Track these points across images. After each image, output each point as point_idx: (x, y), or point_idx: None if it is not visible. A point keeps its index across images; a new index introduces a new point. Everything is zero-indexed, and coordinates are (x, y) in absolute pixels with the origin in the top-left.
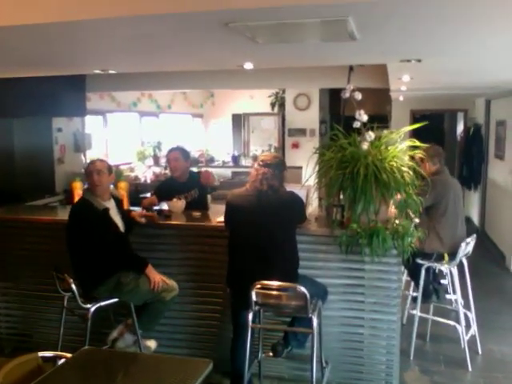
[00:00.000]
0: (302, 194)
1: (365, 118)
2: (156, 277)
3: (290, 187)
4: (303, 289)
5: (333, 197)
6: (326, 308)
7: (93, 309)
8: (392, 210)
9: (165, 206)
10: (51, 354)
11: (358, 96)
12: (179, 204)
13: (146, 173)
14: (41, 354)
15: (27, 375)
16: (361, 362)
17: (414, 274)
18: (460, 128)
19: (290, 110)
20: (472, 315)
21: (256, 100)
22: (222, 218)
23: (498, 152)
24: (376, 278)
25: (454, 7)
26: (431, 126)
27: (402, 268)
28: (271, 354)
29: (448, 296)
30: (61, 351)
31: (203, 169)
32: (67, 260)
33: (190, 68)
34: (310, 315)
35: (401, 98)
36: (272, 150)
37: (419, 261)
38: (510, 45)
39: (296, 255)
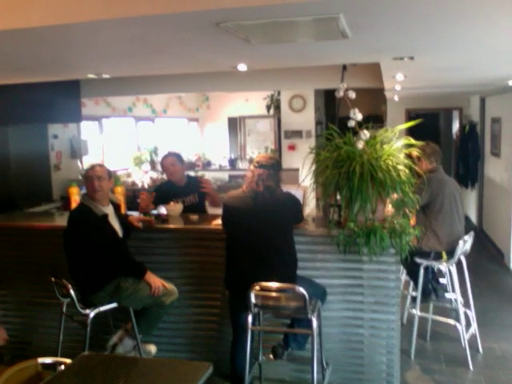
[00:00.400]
0: (298, 194)
1: (359, 116)
2: (156, 281)
3: (286, 188)
4: (302, 289)
5: (329, 196)
6: (326, 309)
7: (92, 314)
8: (389, 208)
9: (162, 210)
10: (51, 361)
11: (352, 95)
12: (177, 208)
13: (142, 178)
14: (40, 360)
15: (27, 382)
16: (361, 362)
17: (412, 273)
18: (455, 126)
19: (285, 111)
20: (472, 313)
21: (251, 103)
22: (219, 221)
23: (493, 149)
24: (374, 277)
25: (447, 3)
26: (427, 124)
27: (401, 267)
28: (271, 356)
29: (447, 295)
30: (60, 358)
31: (200, 174)
32: (65, 266)
33: (184, 70)
34: (310, 316)
35: (396, 98)
36: (269, 151)
37: (417, 259)
38: (504, 41)
39: (294, 256)
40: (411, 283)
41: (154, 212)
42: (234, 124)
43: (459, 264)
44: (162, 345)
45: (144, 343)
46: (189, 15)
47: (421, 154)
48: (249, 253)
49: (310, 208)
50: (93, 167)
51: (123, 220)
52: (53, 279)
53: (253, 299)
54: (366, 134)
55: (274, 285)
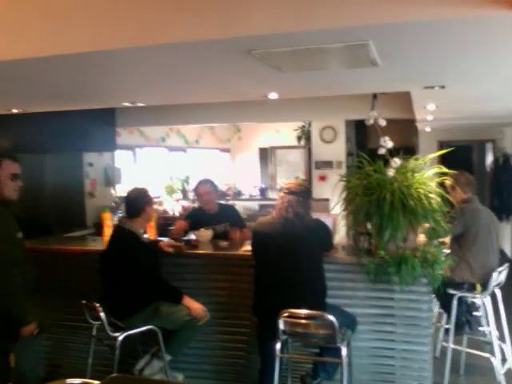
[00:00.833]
0: (328, 222)
1: (390, 144)
2: (195, 305)
3: (316, 216)
4: (331, 317)
5: (359, 224)
6: (356, 339)
7: (121, 337)
8: (420, 237)
9: (192, 236)
10: (79, 382)
11: (383, 122)
12: (206, 234)
13: (174, 206)
14: (69, 381)
15: None
16: None
17: (445, 304)
18: (489, 159)
19: (316, 142)
20: (507, 347)
21: (282, 134)
22: (248, 247)
23: None
24: (406, 307)
25: (479, 31)
26: (459, 156)
27: (434, 299)
28: None
29: (481, 328)
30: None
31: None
32: (96, 289)
33: (215, 99)
34: (339, 344)
35: (427, 129)
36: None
37: (450, 291)
38: None
39: (323, 284)
40: (444, 315)
41: (184, 238)
42: (265, 154)
43: (493, 296)
44: (189, 371)
45: (171, 370)
46: (221, 42)
47: (454, 184)
48: (277, 279)
49: (340, 236)
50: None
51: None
52: (84, 302)
53: (281, 326)
54: (396, 161)
55: (303, 312)
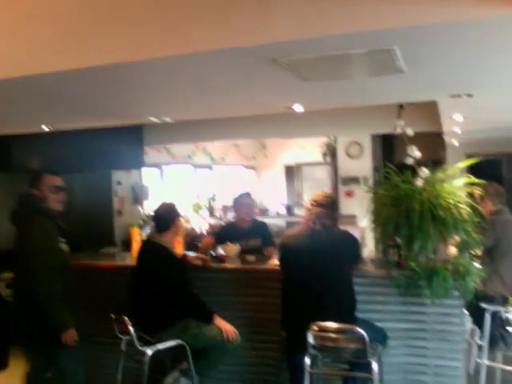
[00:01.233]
0: (356, 235)
1: (417, 154)
2: (226, 326)
3: (344, 228)
4: (361, 331)
5: (388, 236)
6: (387, 354)
7: (150, 352)
8: (451, 249)
9: (219, 250)
10: None
11: (410, 132)
12: (233, 248)
13: (201, 224)
14: None
15: None
16: None
17: (478, 319)
18: None
19: (342, 158)
20: None
21: (307, 150)
22: (276, 261)
23: None
24: (438, 321)
25: (508, 33)
26: (488, 170)
27: (466, 314)
28: None
29: None
30: None
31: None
32: (125, 305)
33: (242, 113)
34: (370, 359)
35: (455, 143)
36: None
37: (483, 305)
38: None
39: (353, 297)
40: (477, 331)
41: (212, 252)
42: (291, 171)
43: None
44: None
45: None
46: (247, 51)
47: (484, 194)
48: (305, 292)
49: (369, 249)
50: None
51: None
52: (113, 316)
53: (310, 340)
54: (425, 171)
55: (332, 325)
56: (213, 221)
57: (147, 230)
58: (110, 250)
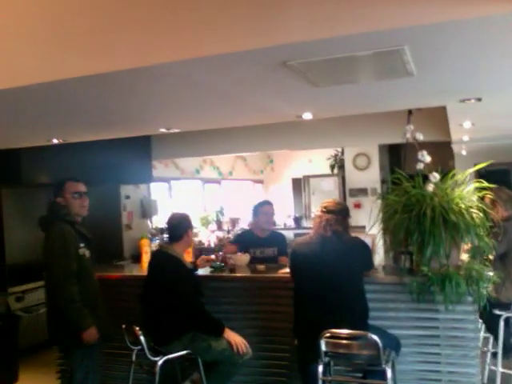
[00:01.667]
0: (367, 242)
1: (428, 158)
2: (236, 339)
3: (354, 234)
4: (375, 337)
5: (399, 242)
6: (400, 361)
7: (160, 362)
8: (464, 255)
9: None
10: None
11: (420, 136)
12: (243, 258)
13: (209, 237)
14: None
15: None
16: None
17: (491, 326)
18: None
19: (349, 169)
20: None
21: (314, 164)
22: (286, 270)
23: None
24: (451, 327)
25: None
26: (497, 179)
27: (480, 322)
28: None
29: None
30: None
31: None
32: (135, 315)
33: (250, 122)
34: (384, 366)
35: (463, 152)
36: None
37: (496, 312)
38: None
39: (365, 304)
40: (491, 339)
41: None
42: (298, 184)
43: None
44: None
45: None
46: (256, 53)
47: (496, 200)
48: (317, 299)
49: (380, 257)
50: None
51: None
52: (123, 326)
53: (323, 347)
54: (435, 176)
55: (345, 331)
56: (221, 234)
57: (156, 242)
58: (119, 263)
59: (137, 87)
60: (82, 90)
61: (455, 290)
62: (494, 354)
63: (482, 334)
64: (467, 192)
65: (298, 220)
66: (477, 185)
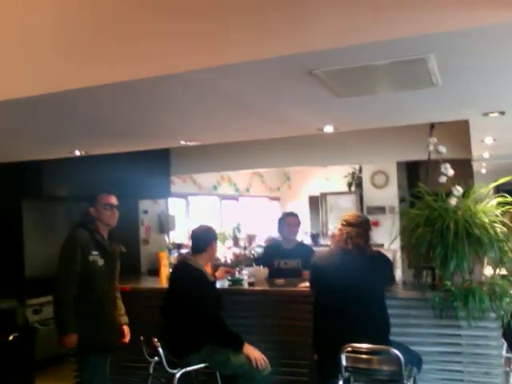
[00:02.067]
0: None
1: (451, 171)
2: (255, 353)
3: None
4: (397, 351)
5: (421, 257)
6: (421, 379)
7: (178, 374)
8: (487, 270)
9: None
10: None
11: (443, 149)
12: (261, 272)
13: (226, 253)
14: None
15: None
16: None
17: None
18: None
19: (367, 187)
20: None
21: (331, 181)
22: (306, 283)
23: None
24: (474, 344)
25: None
26: None
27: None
28: None
29: None
30: None
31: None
32: (152, 328)
33: (272, 135)
34: (406, 382)
35: (483, 171)
36: None
37: None
38: None
39: (386, 319)
40: None
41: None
42: (315, 202)
43: None
44: None
45: None
46: (281, 61)
47: None
48: (337, 313)
49: (400, 272)
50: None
51: None
52: (141, 338)
53: (344, 362)
54: (458, 189)
55: (366, 346)
56: (238, 250)
57: (175, 254)
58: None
59: (160, 96)
60: (105, 99)
61: (478, 306)
62: None
63: (505, 353)
64: (490, 206)
65: (315, 237)
66: (500, 199)
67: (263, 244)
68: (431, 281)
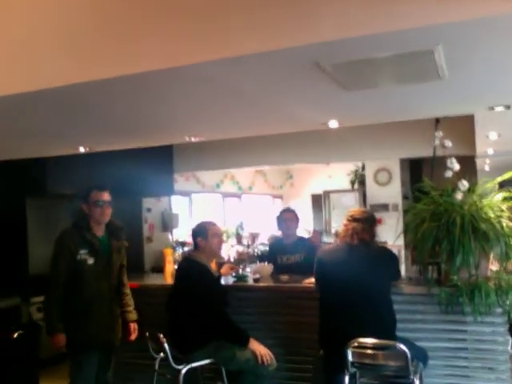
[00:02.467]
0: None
1: (456, 166)
2: (261, 349)
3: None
4: (403, 346)
5: (427, 252)
6: (427, 374)
7: (184, 370)
8: (493, 265)
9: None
10: None
11: (449, 144)
12: (265, 269)
13: (229, 251)
14: None
15: None
16: None
17: None
18: None
19: (370, 185)
20: None
21: (334, 179)
22: (310, 280)
23: None
24: (480, 340)
25: None
26: None
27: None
28: None
29: None
30: None
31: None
32: (158, 325)
33: (276, 130)
34: (412, 377)
35: (486, 168)
36: None
37: None
38: None
39: (392, 315)
40: None
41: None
42: (318, 200)
43: None
44: None
45: None
46: (289, 52)
47: None
48: (343, 309)
49: (404, 268)
50: (215, 224)
51: None
52: (147, 334)
53: (350, 357)
54: (464, 184)
55: (372, 341)
56: (240, 248)
57: (180, 251)
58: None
59: (165, 91)
60: (109, 94)
61: (484, 301)
62: None
63: (510, 349)
64: (496, 201)
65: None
66: (506, 194)
67: (266, 242)
68: (437, 276)
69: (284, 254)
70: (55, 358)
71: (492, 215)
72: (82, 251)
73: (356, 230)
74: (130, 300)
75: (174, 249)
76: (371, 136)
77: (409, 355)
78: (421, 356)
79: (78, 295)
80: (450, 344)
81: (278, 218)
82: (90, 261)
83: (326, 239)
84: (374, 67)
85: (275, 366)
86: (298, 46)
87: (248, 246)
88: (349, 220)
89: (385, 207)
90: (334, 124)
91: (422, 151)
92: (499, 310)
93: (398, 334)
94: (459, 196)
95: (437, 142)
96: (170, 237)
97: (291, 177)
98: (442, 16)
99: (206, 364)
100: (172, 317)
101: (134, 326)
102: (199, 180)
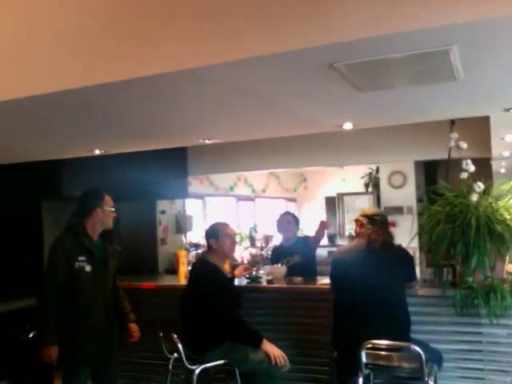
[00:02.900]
0: None
1: (472, 167)
2: (274, 351)
3: None
4: (417, 348)
5: (441, 254)
6: (441, 377)
7: (198, 370)
8: (509, 265)
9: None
10: None
11: (464, 145)
12: (279, 270)
13: (242, 254)
14: None
15: None
16: None
17: None
18: None
19: (384, 188)
20: None
21: (348, 183)
22: (325, 280)
23: None
24: (495, 342)
25: None
26: None
27: None
28: None
29: None
30: None
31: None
32: (172, 326)
33: (290, 132)
34: (426, 379)
35: (502, 170)
36: None
37: None
38: None
39: (407, 316)
40: None
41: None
42: (332, 203)
43: None
44: None
45: None
46: (304, 53)
47: None
48: (358, 310)
49: (419, 270)
50: (228, 225)
51: None
52: (161, 334)
53: (364, 359)
54: (479, 185)
55: (386, 342)
56: (254, 251)
57: (194, 252)
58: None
59: (180, 93)
60: (125, 96)
61: (500, 303)
62: None
63: None
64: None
65: (332, 238)
66: None
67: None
68: (452, 278)
69: (284, 257)
70: None
71: (508, 217)
72: (81, 258)
73: (373, 230)
74: (126, 302)
75: (188, 251)
76: (385, 138)
77: (423, 357)
78: (435, 358)
79: (73, 306)
80: (465, 346)
81: (277, 221)
82: (88, 268)
83: (339, 242)
84: (388, 68)
85: (288, 367)
86: (312, 47)
87: (261, 249)
88: (364, 220)
89: (399, 210)
90: (348, 126)
91: (437, 153)
92: None
93: (413, 335)
94: (474, 198)
95: (452, 143)
96: (183, 239)
97: (305, 180)
98: (457, 16)
99: (219, 365)
100: (185, 317)
101: (134, 327)
102: (213, 183)
